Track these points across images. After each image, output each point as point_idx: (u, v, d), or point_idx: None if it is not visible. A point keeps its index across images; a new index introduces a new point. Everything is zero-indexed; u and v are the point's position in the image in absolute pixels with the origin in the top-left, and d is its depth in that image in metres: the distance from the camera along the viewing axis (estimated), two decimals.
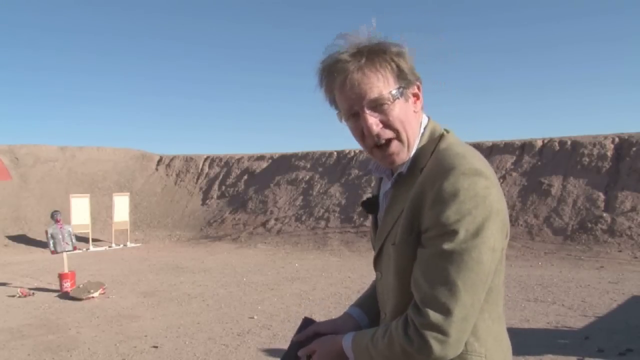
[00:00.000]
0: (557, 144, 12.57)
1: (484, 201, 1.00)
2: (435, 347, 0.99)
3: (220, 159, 18.86)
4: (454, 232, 0.99)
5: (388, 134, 1.11)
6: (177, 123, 50.96)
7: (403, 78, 1.12)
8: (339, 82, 1.10)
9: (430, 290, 1.00)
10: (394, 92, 1.10)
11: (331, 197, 14.39)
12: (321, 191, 14.95)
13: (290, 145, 63.63)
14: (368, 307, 1.37)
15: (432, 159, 1.09)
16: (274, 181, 16.37)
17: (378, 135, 1.10)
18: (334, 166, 15.74)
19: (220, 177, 18.03)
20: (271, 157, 17.61)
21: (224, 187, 17.47)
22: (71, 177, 18.36)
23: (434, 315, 0.99)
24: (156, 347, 4.96)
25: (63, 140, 36.26)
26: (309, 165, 16.27)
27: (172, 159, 19.99)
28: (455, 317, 0.99)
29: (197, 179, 18.63)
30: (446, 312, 0.99)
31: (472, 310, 1.01)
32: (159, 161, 20.21)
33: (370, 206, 1.29)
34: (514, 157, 12.83)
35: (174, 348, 4.92)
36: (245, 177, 17.41)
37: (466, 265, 0.99)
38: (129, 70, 49.52)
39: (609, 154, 11.66)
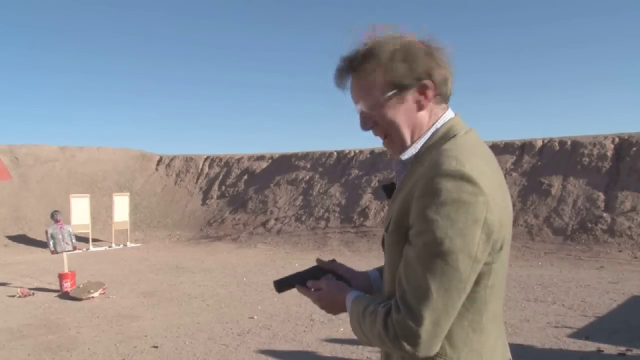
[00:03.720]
0: (557, 144, 12.57)
1: (466, 207, 0.98)
2: (406, 345, 1.02)
3: (220, 159, 18.86)
4: (431, 233, 0.99)
5: (379, 133, 1.20)
6: (177, 123, 51.00)
7: (398, 82, 1.14)
8: (344, 84, 1.21)
9: (407, 289, 1.02)
10: (381, 98, 1.15)
11: (331, 197, 14.40)
12: (321, 191, 14.95)
13: (290, 145, 63.70)
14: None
15: (430, 157, 1.10)
16: (274, 181, 16.37)
17: (373, 133, 1.20)
18: (334, 166, 15.75)
19: (220, 177, 18.03)
20: (271, 157, 17.60)
21: (224, 187, 17.47)
22: (71, 177, 18.36)
23: (407, 316, 1.01)
24: (156, 347, 4.96)
25: (63, 140, 36.23)
26: (309, 165, 16.27)
27: (172, 159, 19.98)
28: (426, 320, 0.99)
29: (197, 179, 18.63)
30: (417, 315, 1.00)
31: (444, 315, 1.00)
32: (159, 161, 20.21)
33: (390, 191, 1.31)
34: (514, 157, 12.84)
35: (174, 348, 4.92)
36: (245, 177, 17.41)
37: (440, 270, 0.99)
38: (129, 70, 49.51)
39: (609, 154, 11.66)
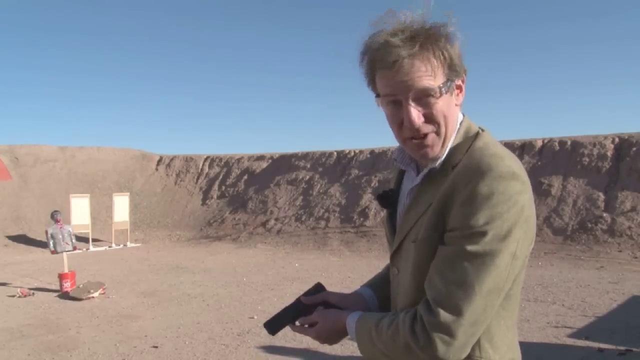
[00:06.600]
0: (557, 144, 12.56)
1: (515, 205, 0.97)
2: (440, 347, 0.97)
3: (220, 159, 18.86)
4: (481, 234, 0.96)
5: (429, 128, 1.05)
6: (177, 123, 51.03)
7: (453, 69, 1.05)
8: (386, 67, 1.02)
9: (444, 290, 0.98)
10: (442, 85, 1.03)
11: (331, 197, 14.39)
12: (321, 191, 14.94)
13: (290, 145, 63.76)
14: (379, 289, 1.35)
15: (467, 157, 1.05)
16: (274, 181, 16.37)
17: (418, 130, 1.04)
18: (334, 166, 15.74)
19: (220, 177, 18.03)
20: (271, 157, 17.60)
21: (224, 187, 17.47)
22: (71, 177, 18.36)
23: (444, 316, 0.97)
24: (156, 347, 4.96)
25: (63, 140, 36.30)
26: (309, 165, 16.27)
27: (172, 159, 19.98)
28: (465, 320, 0.96)
29: (197, 179, 18.63)
30: (457, 313, 0.96)
31: (483, 316, 0.98)
32: (159, 161, 20.21)
33: (387, 200, 1.25)
34: None
35: (174, 348, 4.92)
36: (245, 177, 17.41)
37: (486, 269, 0.96)
38: (129, 70, 49.55)
39: (609, 154, 11.66)
